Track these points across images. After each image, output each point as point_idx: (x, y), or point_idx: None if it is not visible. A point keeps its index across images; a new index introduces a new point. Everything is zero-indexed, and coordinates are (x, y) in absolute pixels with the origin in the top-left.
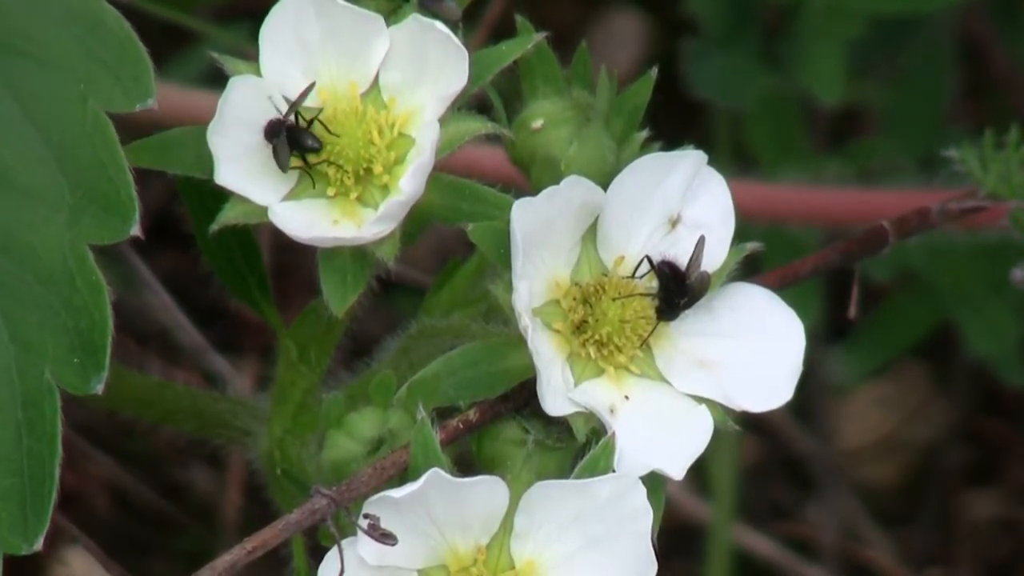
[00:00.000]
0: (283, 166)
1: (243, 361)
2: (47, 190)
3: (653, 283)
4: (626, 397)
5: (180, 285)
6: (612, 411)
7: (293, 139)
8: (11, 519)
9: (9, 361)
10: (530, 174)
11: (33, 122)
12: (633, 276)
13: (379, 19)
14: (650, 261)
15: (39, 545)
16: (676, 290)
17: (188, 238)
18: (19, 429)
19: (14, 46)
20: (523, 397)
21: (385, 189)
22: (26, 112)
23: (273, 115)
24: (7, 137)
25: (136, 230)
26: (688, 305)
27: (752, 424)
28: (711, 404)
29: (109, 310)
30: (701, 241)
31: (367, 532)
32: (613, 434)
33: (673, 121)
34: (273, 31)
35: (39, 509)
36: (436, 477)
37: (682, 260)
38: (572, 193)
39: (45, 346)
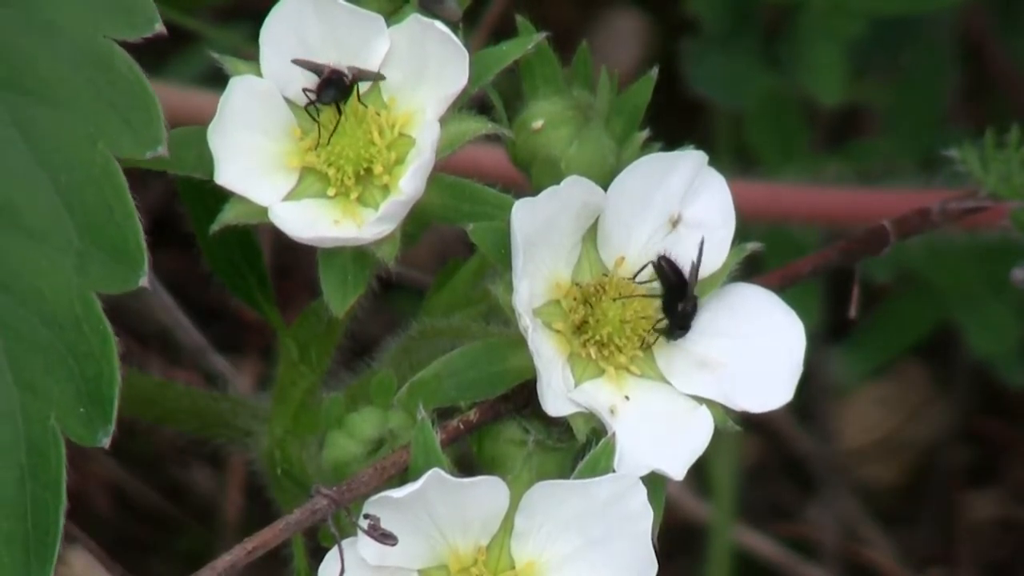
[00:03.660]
0: (333, 99)
1: (243, 361)
2: (54, 232)
3: (654, 283)
4: (626, 397)
5: (180, 285)
6: (612, 411)
7: (340, 90)
8: (13, 563)
9: (13, 405)
10: (530, 174)
11: (42, 163)
12: (633, 279)
13: (379, 19)
14: (656, 265)
15: None
16: (679, 297)
17: (188, 238)
18: (23, 473)
19: (25, 86)
20: (523, 397)
21: (385, 189)
22: (35, 153)
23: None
24: (16, 178)
25: (144, 281)
26: (690, 317)
27: (752, 424)
28: (711, 404)
29: (117, 361)
30: (703, 246)
31: (367, 532)
32: (613, 434)
33: (674, 121)
34: (273, 31)
35: (43, 557)
36: (436, 477)
37: (685, 266)
38: (572, 193)
39: (51, 391)
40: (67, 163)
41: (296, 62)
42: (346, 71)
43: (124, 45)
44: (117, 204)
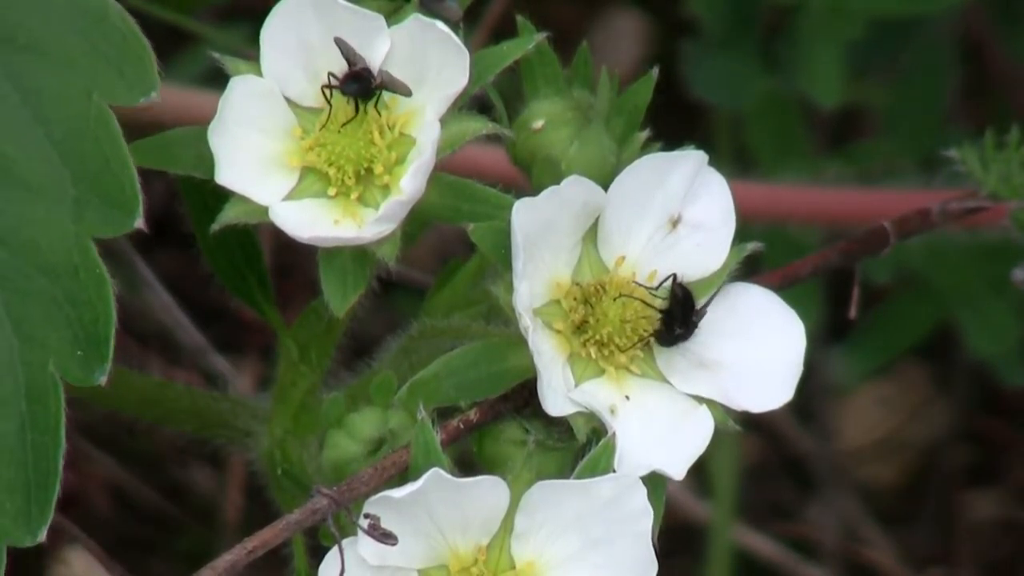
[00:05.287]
0: (353, 93)
1: (243, 361)
2: (50, 184)
3: (655, 283)
4: (627, 397)
5: (181, 285)
6: (613, 411)
7: (364, 88)
8: (15, 511)
9: (12, 354)
10: (531, 174)
11: (36, 116)
12: (635, 281)
13: (380, 19)
14: (671, 290)
15: (42, 537)
16: (679, 319)
17: (189, 238)
18: (23, 422)
19: (18, 40)
20: (523, 397)
21: (386, 189)
22: (29, 106)
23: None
24: (10, 131)
25: (140, 223)
26: (683, 338)
27: (752, 424)
28: (712, 404)
29: (113, 302)
30: (721, 288)
31: (367, 532)
32: (614, 434)
33: (674, 121)
34: (274, 31)
35: (43, 502)
36: (436, 477)
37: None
38: (573, 193)
39: (49, 339)
40: (62, 116)
41: (337, 41)
42: (376, 74)
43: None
44: (112, 152)
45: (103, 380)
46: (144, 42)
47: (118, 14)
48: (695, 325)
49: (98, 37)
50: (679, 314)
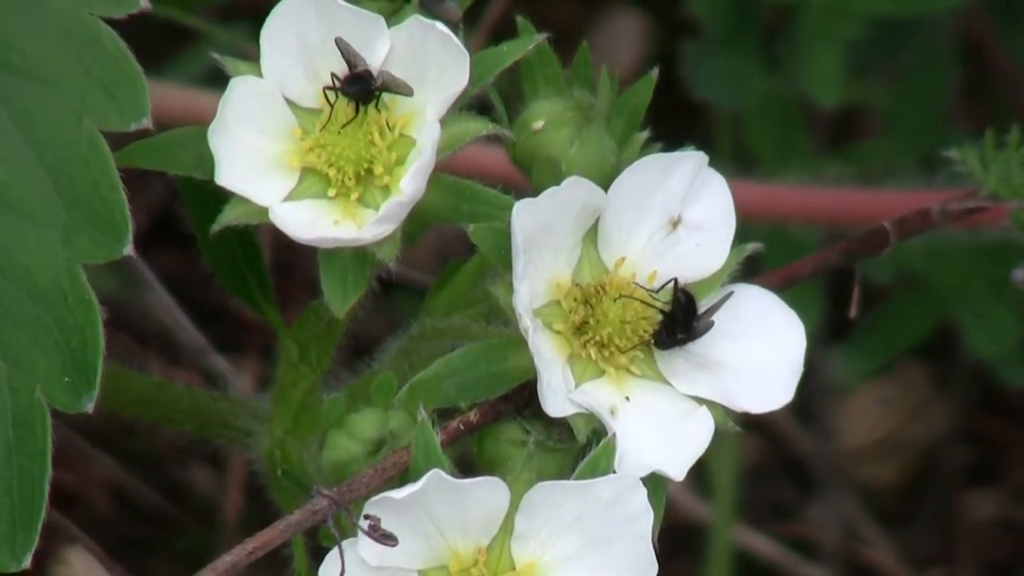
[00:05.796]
0: (354, 94)
1: (243, 361)
2: (41, 208)
3: (655, 284)
4: (627, 398)
5: (181, 285)
6: (613, 412)
7: (365, 90)
8: (0, 536)
9: (1, 380)
10: (531, 175)
11: (28, 140)
12: (637, 283)
13: (380, 20)
14: (674, 294)
15: (27, 563)
16: (681, 323)
17: (189, 238)
18: (9, 447)
19: (10, 63)
20: (524, 398)
21: (386, 190)
22: (21, 130)
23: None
24: (2, 156)
25: (129, 250)
26: (684, 343)
27: (753, 424)
28: (712, 405)
29: (101, 329)
30: (727, 296)
31: (368, 533)
32: (614, 435)
33: (674, 121)
34: (274, 31)
35: (28, 527)
36: (437, 478)
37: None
38: (573, 193)
39: (37, 364)
40: (54, 140)
41: (338, 43)
42: (376, 75)
43: (110, 22)
44: (103, 178)
45: (90, 408)
46: (136, 66)
47: (110, 38)
48: (696, 331)
49: (90, 61)
50: (681, 318)
